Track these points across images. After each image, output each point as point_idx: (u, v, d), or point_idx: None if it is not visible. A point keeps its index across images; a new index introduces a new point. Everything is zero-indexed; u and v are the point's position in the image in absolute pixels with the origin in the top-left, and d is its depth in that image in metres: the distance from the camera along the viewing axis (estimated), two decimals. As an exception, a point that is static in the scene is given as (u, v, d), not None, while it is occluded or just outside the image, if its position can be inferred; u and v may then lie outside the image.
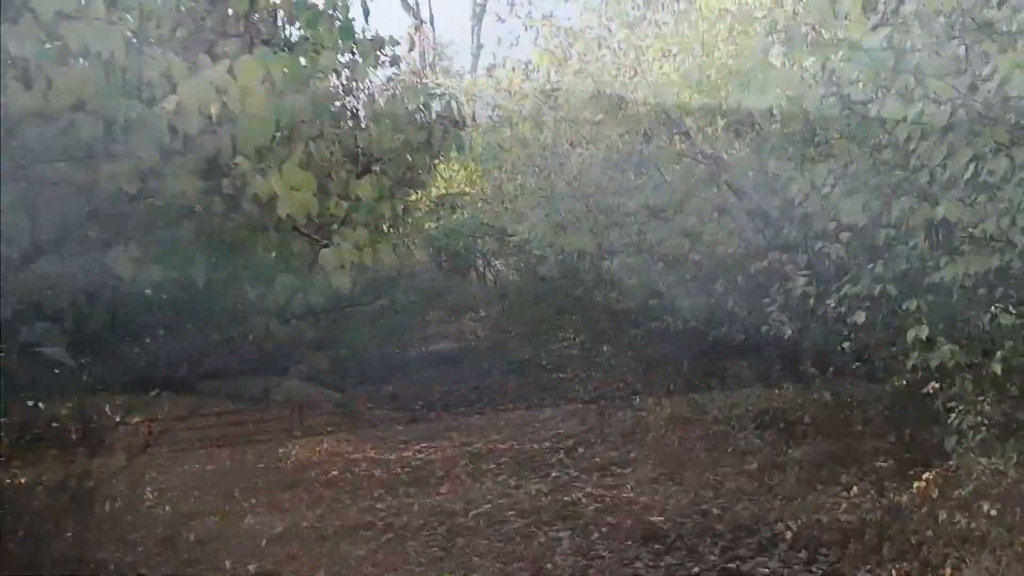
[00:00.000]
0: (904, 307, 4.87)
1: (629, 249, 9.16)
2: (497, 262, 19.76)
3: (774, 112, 4.12)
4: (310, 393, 14.84)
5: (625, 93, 9.02)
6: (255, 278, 4.58)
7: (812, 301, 6.50)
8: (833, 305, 6.57)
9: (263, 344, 4.82)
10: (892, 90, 3.34)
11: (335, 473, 9.88)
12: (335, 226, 4.24)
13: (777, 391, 8.61)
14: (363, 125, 4.21)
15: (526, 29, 12.42)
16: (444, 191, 17.05)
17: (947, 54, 3.28)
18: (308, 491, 9.24)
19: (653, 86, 9.24)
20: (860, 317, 5.60)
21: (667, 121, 8.84)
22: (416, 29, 26.60)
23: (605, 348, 11.38)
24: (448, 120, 4.37)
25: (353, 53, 4.08)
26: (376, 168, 4.13)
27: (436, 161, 6.27)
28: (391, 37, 4.34)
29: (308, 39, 4.30)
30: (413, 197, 17.61)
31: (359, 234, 3.91)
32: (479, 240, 16.03)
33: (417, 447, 11.35)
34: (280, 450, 11.09)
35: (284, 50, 4.05)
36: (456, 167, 16.04)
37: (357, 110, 4.27)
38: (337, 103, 4.12)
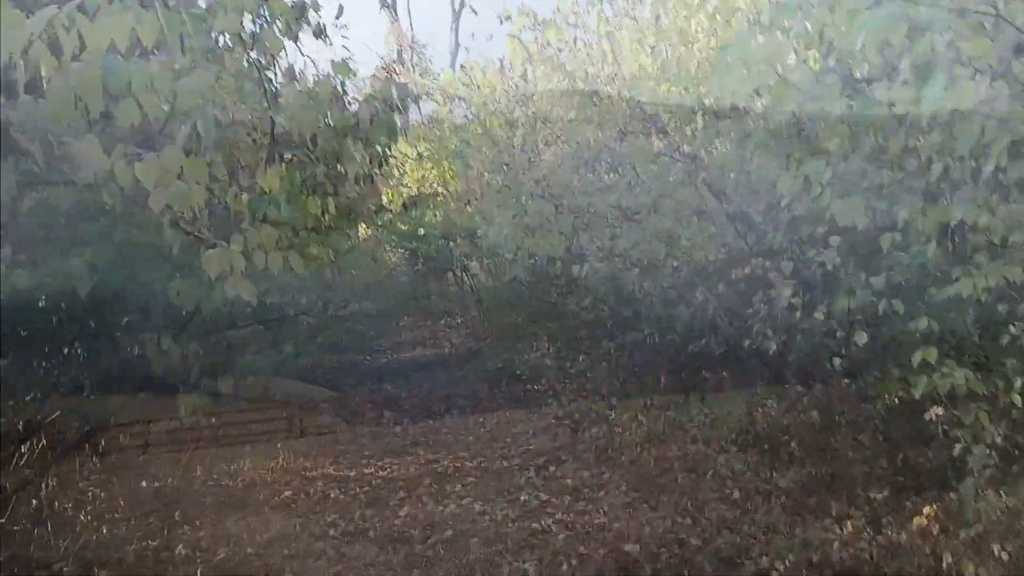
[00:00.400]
0: (912, 326, 4.26)
1: (600, 253, 8.53)
2: (474, 264, 19.14)
3: (759, 93, 3.54)
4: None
5: (600, 87, 8.41)
6: (148, 286, 3.91)
7: (799, 313, 5.89)
8: (822, 317, 5.96)
9: (154, 365, 4.12)
10: (904, 63, 2.73)
11: (288, 493, 9.19)
12: (244, 224, 3.58)
13: (760, 409, 8.00)
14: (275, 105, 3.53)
15: (501, 22, 11.82)
16: (416, 191, 16.42)
17: (970, 20, 2.68)
18: (257, 513, 8.56)
19: (629, 80, 8.65)
20: (862, 338, 4.98)
21: (643, 117, 8.23)
22: (384, 8, 25.97)
23: (581, 358, 10.74)
24: (382, 101, 3.70)
25: (260, 18, 3.40)
26: (288, 156, 3.47)
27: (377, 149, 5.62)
28: (314, 0, 3.67)
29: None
30: (385, 196, 16.99)
31: (265, 234, 3.25)
32: (451, 243, 15.39)
33: (380, 463, 10.69)
34: (232, 466, 10.37)
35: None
36: (429, 166, 15.40)
37: (276, 89, 3.60)
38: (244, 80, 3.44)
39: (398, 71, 18.94)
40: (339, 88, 3.67)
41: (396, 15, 28.76)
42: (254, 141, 3.73)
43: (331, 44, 4.39)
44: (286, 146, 3.46)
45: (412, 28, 29.89)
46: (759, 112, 5.72)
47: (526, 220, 9.12)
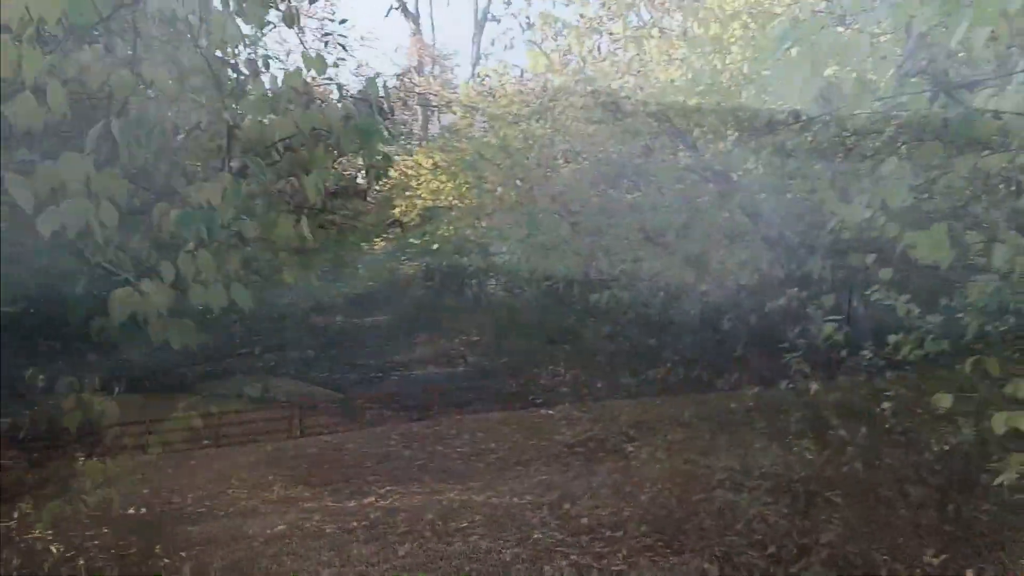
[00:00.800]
0: (1009, 389, 3.59)
1: (622, 279, 7.86)
2: (492, 281, 18.55)
3: (825, 96, 2.93)
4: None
5: (625, 100, 7.79)
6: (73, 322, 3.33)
7: (844, 352, 5.23)
8: (869, 356, 5.30)
9: (66, 420, 3.50)
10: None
11: (282, 527, 8.58)
12: (190, 246, 3.00)
13: (797, 453, 7.28)
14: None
15: (523, 30, 11.33)
16: (432, 203, 15.87)
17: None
18: (247, 549, 7.97)
19: (657, 92, 8.04)
20: (946, 400, 4.29)
21: (671, 131, 7.60)
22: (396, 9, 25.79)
23: (599, 385, 10.09)
24: (363, 103, 3.11)
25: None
26: (233, 164, 2.88)
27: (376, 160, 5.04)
28: (281, -15, 3.10)
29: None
30: (400, 209, 16.39)
31: (202, 261, 2.65)
32: (465, 258, 14.80)
33: (382, 491, 10.07)
34: (225, 494, 9.81)
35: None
36: (444, 178, 14.81)
37: (235, 86, 3.03)
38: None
39: (416, 80, 18.54)
40: (309, 85, 3.08)
41: (419, 26, 28.45)
42: (219, 147, 3.17)
43: (331, 41, 3.80)
44: (243, 152, 2.88)
45: (435, 39, 29.62)
46: (800, 126, 5.08)
47: (541, 239, 8.47)
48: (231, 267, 3.37)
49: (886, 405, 5.37)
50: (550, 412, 11.79)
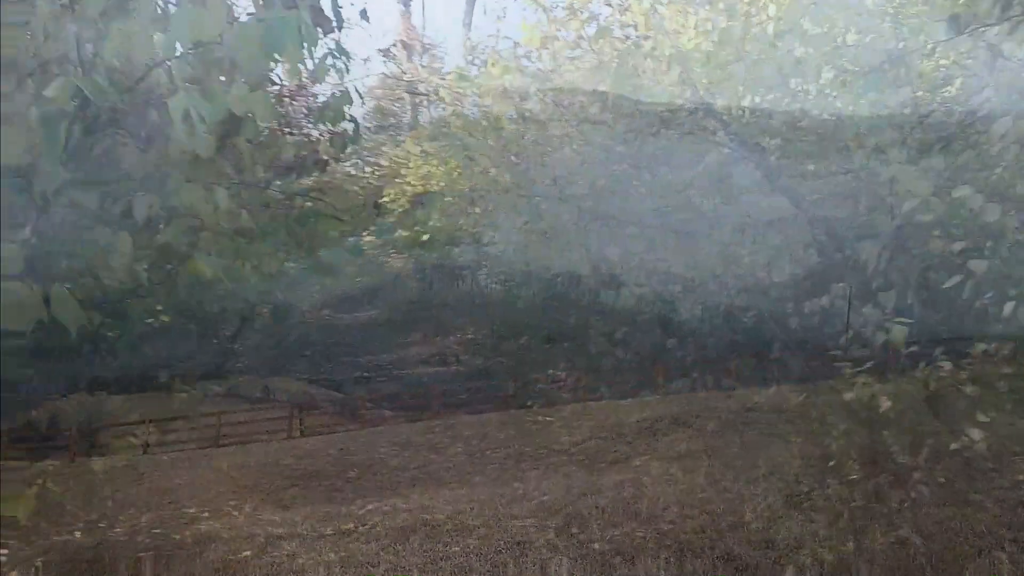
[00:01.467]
0: None
1: (635, 272, 6.81)
2: (483, 272, 17.53)
3: None
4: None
5: (638, 60, 6.73)
6: None
7: (924, 365, 4.22)
8: (949, 368, 4.30)
9: None
10: None
11: (247, 554, 7.53)
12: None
13: (847, 475, 6.13)
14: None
15: (515, -1, 10.28)
16: (422, 189, 14.86)
17: None
18: (211, 578, 6.96)
19: (677, 57, 6.99)
20: None
21: (695, 104, 6.54)
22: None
23: (602, 389, 9.04)
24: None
25: None
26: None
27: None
28: None
29: None
30: (389, 196, 15.53)
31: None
32: (456, 249, 13.73)
33: (362, 511, 9.00)
34: (188, 510, 8.80)
35: None
36: (435, 163, 13.73)
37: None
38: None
39: (404, 67, 17.73)
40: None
41: (409, 8, 27.61)
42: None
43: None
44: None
45: (425, 29, 28.84)
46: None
47: (540, 226, 7.40)
48: (119, 255, 2.37)
49: (976, 435, 4.29)
50: (547, 418, 10.79)
